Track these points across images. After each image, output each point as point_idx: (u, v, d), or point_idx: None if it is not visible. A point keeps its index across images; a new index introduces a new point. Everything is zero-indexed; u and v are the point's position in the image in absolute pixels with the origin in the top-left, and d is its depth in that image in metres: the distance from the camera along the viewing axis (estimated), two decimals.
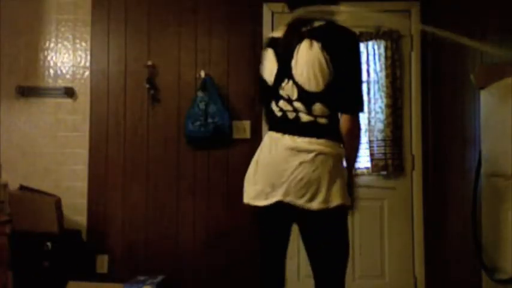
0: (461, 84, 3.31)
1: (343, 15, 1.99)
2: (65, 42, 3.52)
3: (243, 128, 3.38)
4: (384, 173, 3.37)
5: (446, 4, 3.38)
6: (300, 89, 1.75)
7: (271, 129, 1.85)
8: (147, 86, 3.41)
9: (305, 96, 1.75)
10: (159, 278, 3.18)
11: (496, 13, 3.32)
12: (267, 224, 1.86)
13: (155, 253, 3.38)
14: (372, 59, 3.38)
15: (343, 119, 1.80)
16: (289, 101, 1.77)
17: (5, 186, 2.99)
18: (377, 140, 3.35)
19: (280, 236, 1.86)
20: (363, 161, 3.39)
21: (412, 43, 3.43)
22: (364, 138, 3.39)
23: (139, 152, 3.44)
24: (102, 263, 3.38)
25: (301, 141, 1.73)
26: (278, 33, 1.90)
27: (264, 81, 1.86)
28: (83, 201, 3.42)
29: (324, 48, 1.72)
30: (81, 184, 3.43)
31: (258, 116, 3.27)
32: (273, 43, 1.87)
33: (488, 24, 3.32)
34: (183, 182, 3.42)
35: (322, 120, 1.76)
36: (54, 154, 3.45)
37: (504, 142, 2.67)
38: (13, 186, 3.18)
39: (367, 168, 3.38)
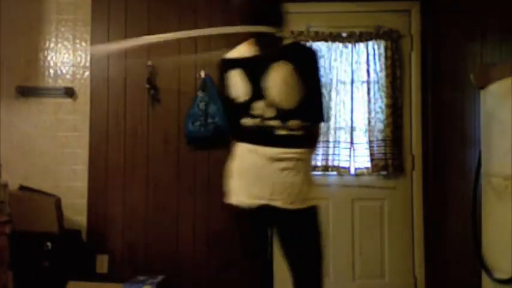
0: (461, 84, 3.31)
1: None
2: (65, 42, 3.52)
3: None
4: (384, 173, 3.37)
5: (446, 4, 3.38)
6: (276, 108, 1.85)
7: (243, 141, 1.91)
8: (147, 86, 3.41)
9: (281, 114, 1.85)
10: (159, 278, 3.19)
11: (496, 13, 3.32)
12: (252, 226, 1.96)
13: (155, 253, 3.39)
14: (372, 59, 3.38)
15: (313, 128, 1.99)
16: (262, 118, 1.86)
17: (5, 186, 2.99)
18: (377, 140, 3.35)
19: (263, 237, 1.97)
20: (363, 161, 3.39)
21: (412, 43, 3.43)
22: (364, 138, 3.40)
23: (139, 152, 3.45)
24: (102, 263, 3.38)
25: (278, 152, 1.83)
26: (239, 53, 1.95)
27: (233, 100, 1.92)
28: (83, 201, 3.42)
29: (295, 68, 1.85)
30: (81, 184, 3.43)
31: None
32: (239, 64, 1.91)
33: (488, 24, 3.31)
34: (183, 182, 3.42)
35: (297, 133, 1.88)
36: (54, 154, 3.45)
37: (504, 142, 2.67)
38: (13, 186, 3.18)
39: (367, 168, 3.38)
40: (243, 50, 1.95)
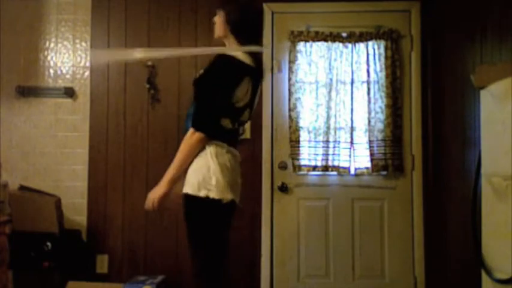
0: (461, 84, 3.31)
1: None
2: (65, 42, 3.52)
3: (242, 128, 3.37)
4: (384, 173, 3.37)
5: (446, 4, 3.37)
6: (250, 115, 2.13)
7: (222, 141, 2.00)
8: (147, 86, 3.41)
9: (247, 120, 2.14)
10: (159, 278, 3.19)
11: (496, 13, 3.32)
12: (225, 219, 2.05)
13: (155, 253, 3.39)
14: (372, 59, 3.38)
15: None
16: (242, 123, 2.11)
17: (5, 186, 2.99)
18: (377, 140, 3.35)
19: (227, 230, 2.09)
20: (363, 161, 3.39)
21: (412, 43, 3.43)
22: (364, 138, 3.40)
23: (139, 152, 3.44)
24: (102, 263, 3.38)
25: (239, 155, 2.10)
26: (247, 60, 2.02)
27: (225, 100, 1.97)
28: (83, 201, 3.42)
29: None
30: (81, 184, 3.43)
31: (257, 116, 3.28)
32: (249, 72, 2.01)
33: (488, 24, 3.31)
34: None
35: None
36: (54, 154, 3.46)
37: (504, 142, 2.67)
38: (13, 186, 3.18)
39: (367, 168, 3.38)
40: (248, 59, 2.04)
